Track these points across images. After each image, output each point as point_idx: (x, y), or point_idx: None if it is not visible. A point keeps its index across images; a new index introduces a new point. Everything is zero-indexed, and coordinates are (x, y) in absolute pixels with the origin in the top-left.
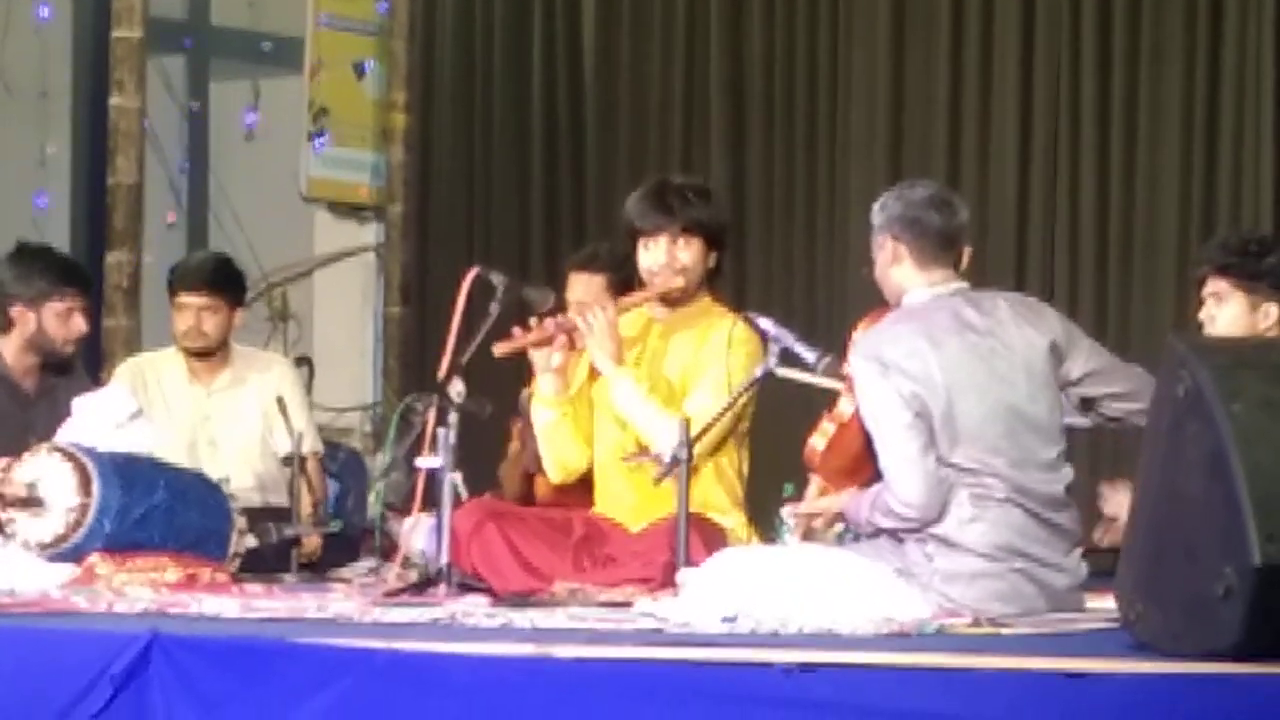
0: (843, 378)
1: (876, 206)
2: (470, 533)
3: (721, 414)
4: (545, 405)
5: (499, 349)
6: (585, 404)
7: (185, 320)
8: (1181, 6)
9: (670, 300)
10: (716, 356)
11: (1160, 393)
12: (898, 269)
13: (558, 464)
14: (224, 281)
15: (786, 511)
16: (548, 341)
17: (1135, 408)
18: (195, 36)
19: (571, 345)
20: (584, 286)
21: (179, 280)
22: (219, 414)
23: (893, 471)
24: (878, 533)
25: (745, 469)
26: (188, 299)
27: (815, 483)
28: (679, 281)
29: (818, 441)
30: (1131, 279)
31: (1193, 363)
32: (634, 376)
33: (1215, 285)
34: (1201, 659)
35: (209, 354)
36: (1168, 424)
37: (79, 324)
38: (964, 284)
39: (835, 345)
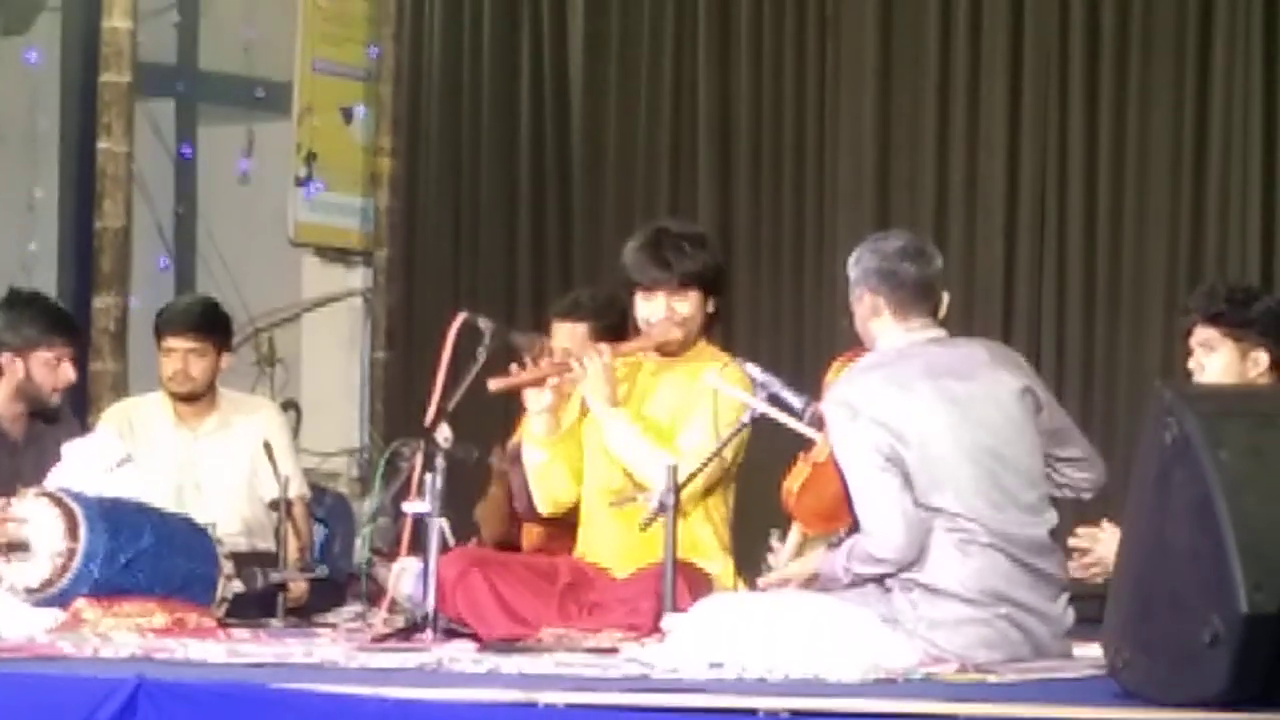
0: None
1: (851, 260)
2: (455, 581)
3: (710, 460)
4: (537, 445)
5: (494, 384)
6: (575, 441)
7: (172, 364)
8: (1169, 50)
9: (668, 351)
10: (707, 395)
11: (1148, 440)
12: (877, 321)
13: (548, 499)
14: (211, 325)
15: (773, 559)
16: (541, 382)
17: (1084, 477)
18: (184, 81)
19: (562, 393)
20: (567, 335)
21: (165, 324)
22: (205, 458)
23: (869, 516)
24: (862, 582)
25: (730, 513)
26: (174, 342)
27: (796, 529)
28: (677, 334)
29: (793, 484)
30: (1119, 324)
31: (1180, 410)
32: (628, 416)
33: (1204, 334)
34: (1188, 707)
35: (195, 398)
36: (1155, 471)
37: (67, 373)
38: (941, 331)
39: (820, 389)
